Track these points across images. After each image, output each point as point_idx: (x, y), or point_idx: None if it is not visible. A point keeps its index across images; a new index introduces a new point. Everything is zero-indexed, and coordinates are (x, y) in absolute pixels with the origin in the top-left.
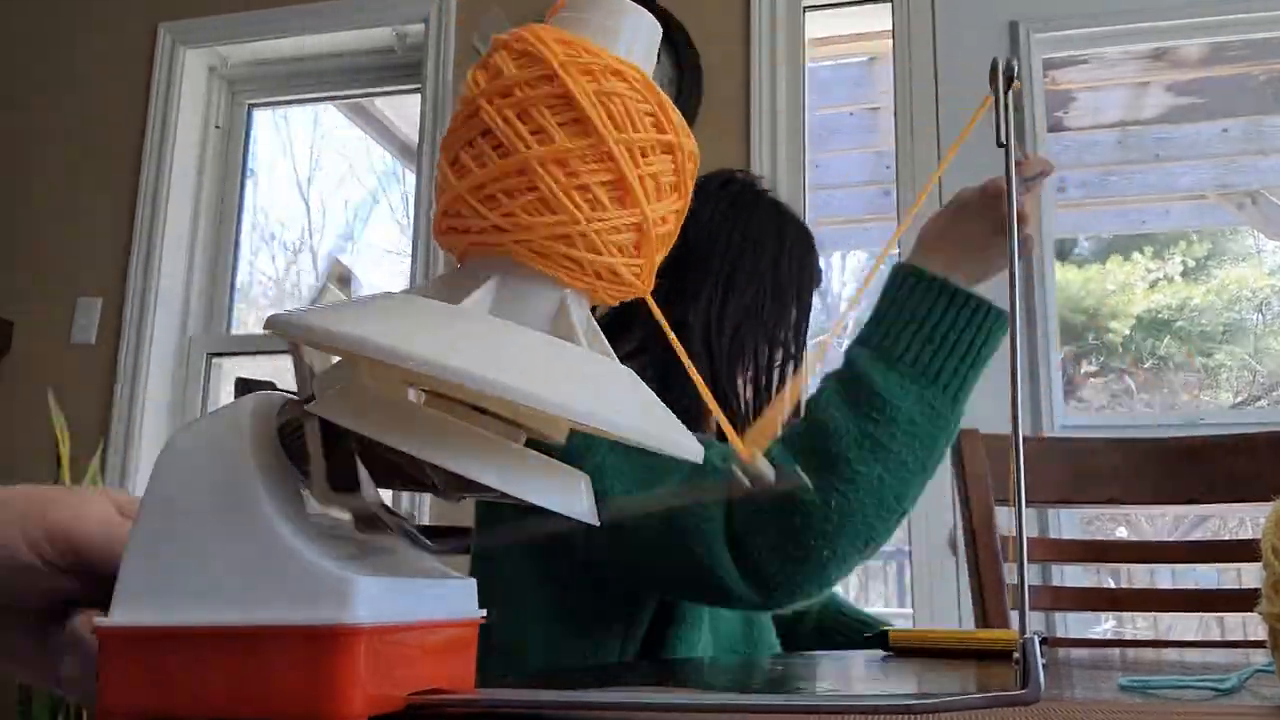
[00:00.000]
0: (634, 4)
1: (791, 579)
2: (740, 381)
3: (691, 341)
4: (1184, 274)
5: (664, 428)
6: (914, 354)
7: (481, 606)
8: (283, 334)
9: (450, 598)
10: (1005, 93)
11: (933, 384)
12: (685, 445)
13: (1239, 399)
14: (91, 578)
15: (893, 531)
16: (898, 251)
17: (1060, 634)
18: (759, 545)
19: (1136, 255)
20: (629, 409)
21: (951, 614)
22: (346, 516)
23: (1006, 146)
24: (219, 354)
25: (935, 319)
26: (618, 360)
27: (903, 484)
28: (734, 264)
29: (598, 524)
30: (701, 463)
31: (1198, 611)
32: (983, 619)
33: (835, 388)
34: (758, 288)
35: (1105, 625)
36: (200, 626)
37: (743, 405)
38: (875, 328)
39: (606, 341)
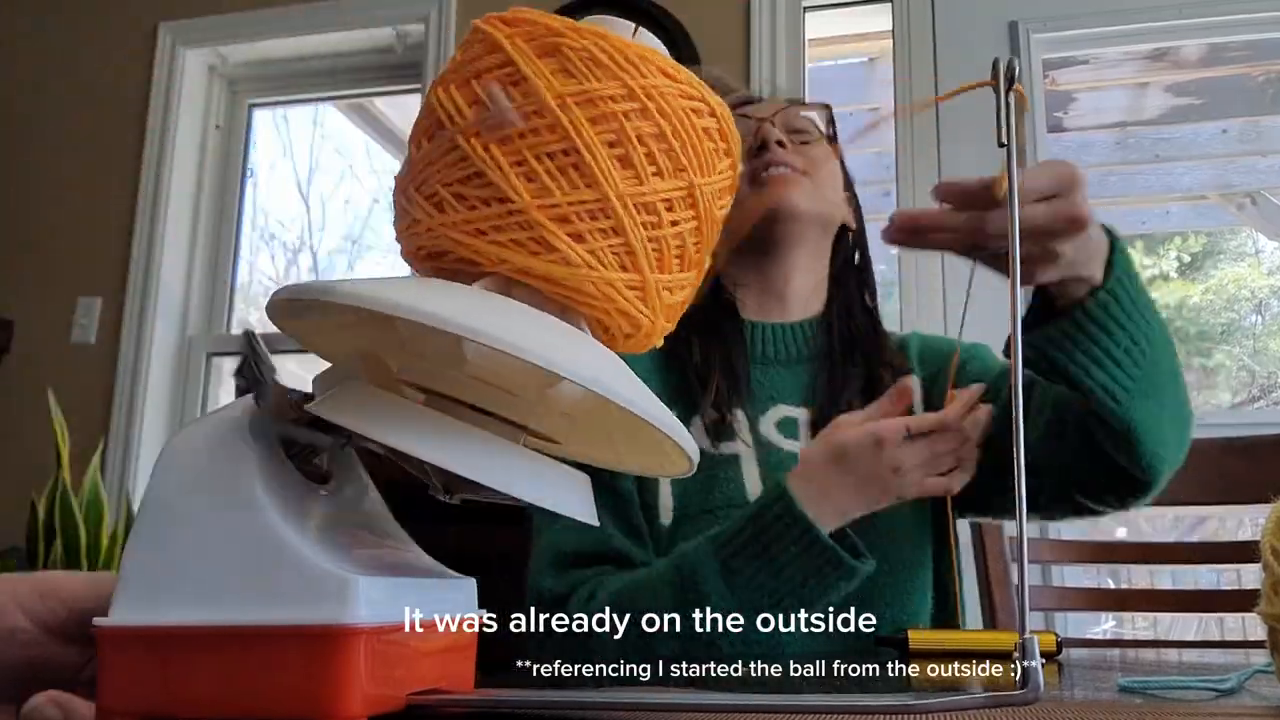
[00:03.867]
0: (632, 25)
1: None
2: None
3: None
4: (1181, 272)
5: (670, 415)
6: (750, 578)
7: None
8: (310, 297)
9: (450, 598)
10: (1006, 93)
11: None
12: (685, 438)
13: (1238, 400)
14: (78, 641)
15: None
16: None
17: (1061, 634)
18: None
19: (1130, 250)
20: (642, 392)
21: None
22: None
23: (1008, 146)
24: (219, 353)
25: (785, 558)
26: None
27: None
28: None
29: (597, 524)
30: (696, 461)
31: (1197, 612)
32: (990, 619)
33: (669, 574)
34: None
35: (1105, 625)
36: (200, 626)
37: None
38: (728, 539)
39: None
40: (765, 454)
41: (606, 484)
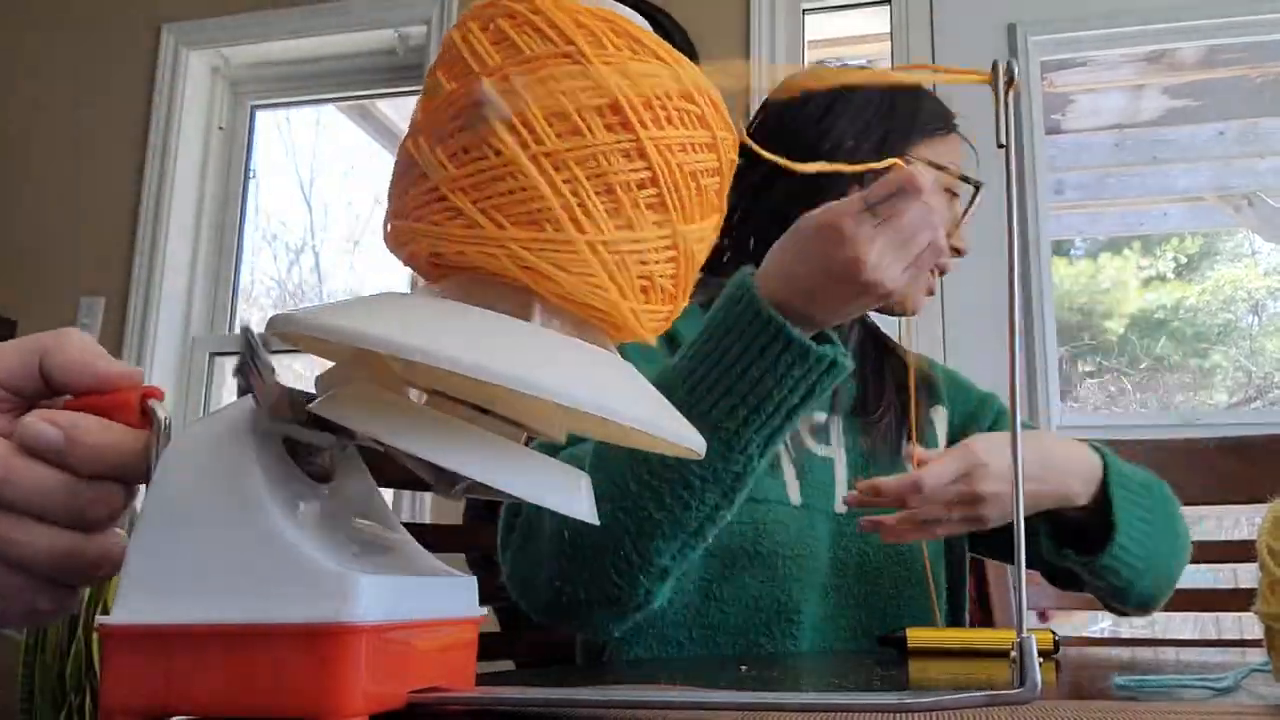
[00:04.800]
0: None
1: None
2: None
3: None
4: (1177, 273)
5: (670, 420)
6: (715, 382)
7: None
8: (290, 330)
9: (451, 596)
10: (1005, 93)
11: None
12: (687, 435)
13: (1234, 400)
14: (17, 409)
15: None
16: None
17: (1058, 633)
18: None
19: (1127, 251)
20: (638, 401)
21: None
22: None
23: (1007, 147)
24: (222, 354)
25: (753, 364)
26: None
27: (654, 541)
28: None
29: (598, 524)
30: (702, 455)
31: (1194, 611)
32: (987, 617)
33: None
34: None
35: (1102, 624)
36: (202, 625)
37: None
38: (694, 360)
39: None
40: (800, 456)
41: None
